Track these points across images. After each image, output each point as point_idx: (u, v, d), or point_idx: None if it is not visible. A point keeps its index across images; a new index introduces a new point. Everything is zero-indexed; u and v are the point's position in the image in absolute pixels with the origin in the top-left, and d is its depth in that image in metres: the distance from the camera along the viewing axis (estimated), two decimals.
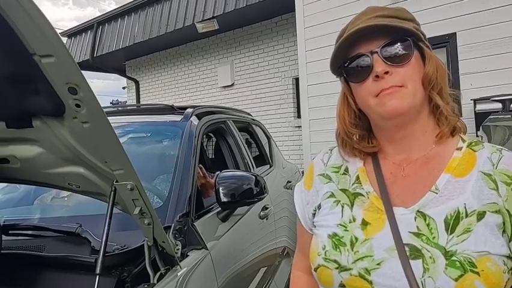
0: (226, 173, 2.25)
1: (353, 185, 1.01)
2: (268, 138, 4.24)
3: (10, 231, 1.80)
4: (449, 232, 0.85)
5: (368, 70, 0.93)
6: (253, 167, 3.19)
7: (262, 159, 3.85)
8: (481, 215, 0.85)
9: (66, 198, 2.43)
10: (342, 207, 0.98)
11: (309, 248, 1.03)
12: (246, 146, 3.35)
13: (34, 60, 1.12)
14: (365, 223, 0.93)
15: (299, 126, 6.69)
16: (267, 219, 2.93)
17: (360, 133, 1.04)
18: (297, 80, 7.37)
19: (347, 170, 1.04)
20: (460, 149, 0.95)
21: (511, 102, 3.22)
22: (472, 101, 4.20)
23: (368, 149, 1.02)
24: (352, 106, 1.03)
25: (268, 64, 8.40)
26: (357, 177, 1.01)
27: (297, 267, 1.19)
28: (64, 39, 10.88)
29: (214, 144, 3.67)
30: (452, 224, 0.85)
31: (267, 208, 2.94)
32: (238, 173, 2.42)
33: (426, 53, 0.95)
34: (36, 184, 1.74)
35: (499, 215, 0.85)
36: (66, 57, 1.10)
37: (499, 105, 3.34)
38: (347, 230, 0.94)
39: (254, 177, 2.24)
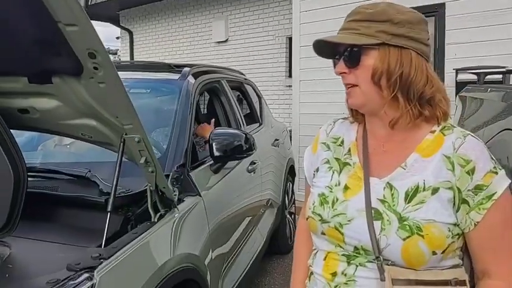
0: (219, 130, 2.48)
1: (344, 155, 1.18)
2: (259, 97, 4.43)
3: (28, 173, 2.02)
4: (406, 202, 1.02)
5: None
6: (243, 125, 3.41)
7: (253, 117, 4.05)
8: (435, 190, 1.01)
9: (68, 146, 2.64)
10: (333, 172, 1.17)
11: None
12: (237, 104, 3.55)
13: (59, 28, 1.29)
14: (346, 187, 1.12)
15: (290, 86, 6.84)
16: (254, 173, 3.18)
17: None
18: (290, 39, 7.45)
19: (342, 142, 1.21)
20: (433, 132, 1.08)
21: (486, 75, 3.41)
22: (454, 71, 4.39)
23: (357, 119, 1.20)
24: None
25: (263, 21, 8.43)
26: (349, 150, 1.19)
27: (303, 216, 1.33)
28: None
29: (208, 102, 3.86)
30: (410, 195, 1.03)
31: (254, 163, 3.19)
32: (230, 130, 2.65)
33: (380, 53, 1.04)
34: (53, 133, 1.95)
35: (450, 190, 1.01)
36: (88, 27, 1.28)
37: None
38: (332, 192, 1.13)
39: (244, 135, 2.47)
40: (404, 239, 1.00)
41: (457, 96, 3.36)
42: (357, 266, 1.07)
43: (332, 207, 1.12)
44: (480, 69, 3.64)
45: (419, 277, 1.01)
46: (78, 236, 1.73)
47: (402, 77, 1.03)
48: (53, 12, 1.26)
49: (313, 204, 1.16)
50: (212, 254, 2.22)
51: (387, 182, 1.07)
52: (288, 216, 4.27)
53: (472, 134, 1.08)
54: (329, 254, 1.13)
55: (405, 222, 1.01)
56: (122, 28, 11.24)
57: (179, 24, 9.95)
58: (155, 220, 1.78)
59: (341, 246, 1.10)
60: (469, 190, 1.01)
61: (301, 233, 1.36)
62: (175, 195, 1.96)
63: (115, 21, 11.30)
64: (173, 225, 1.87)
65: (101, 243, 1.53)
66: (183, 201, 2.04)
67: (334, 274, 1.10)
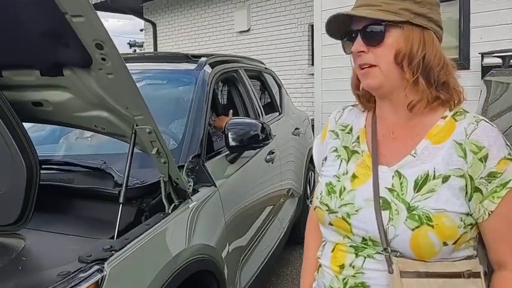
0: (235, 120, 2.46)
1: (353, 143, 1.15)
2: (279, 86, 4.38)
3: (43, 166, 2.05)
4: (416, 190, 0.98)
5: (351, 45, 1.05)
6: (262, 114, 3.38)
7: (272, 106, 4.01)
8: (446, 178, 0.97)
9: (89, 139, 2.67)
10: (341, 161, 1.13)
11: None
12: (256, 94, 3.52)
13: (66, 19, 1.29)
14: (354, 176, 1.09)
15: (313, 74, 6.76)
16: (272, 162, 3.15)
17: (362, 93, 1.14)
18: (312, 27, 7.36)
19: (351, 129, 1.18)
20: (444, 117, 1.04)
21: (511, 58, 3.28)
22: (480, 55, 4.26)
23: (366, 107, 1.16)
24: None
25: (284, 10, 8.35)
26: (358, 137, 1.15)
27: (314, 206, 1.39)
28: None
29: (227, 91, 3.84)
30: (420, 184, 0.99)
31: (273, 153, 3.16)
32: (247, 120, 2.62)
33: (404, 33, 1.00)
34: (67, 125, 1.96)
35: (462, 178, 0.97)
36: (94, 18, 1.28)
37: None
38: (339, 181, 1.10)
39: (261, 125, 2.44)
40: (412, 230, 0.96)
41: (482, 80, 3.26)
42: (365, 257, 1.03)
43: (340, 196, 1.08)
44: (505, 52, 3.50)
45: (429, 269, 0.97)
46: (92, 228, 1.74)
47: (424, 59, 1.00)
48: (60, 4, 1.26)
49: (320, 194, 1.13)
50: (229, 247, 2.21)
51: (396, 170, 1.03)
52: (309, 205, 4.20)
53: (486, 120, 1.02)
54: (337, 245, 1.10)
55: (414, 212, 0.97)
56: (146, 20, 11.33)
57: (202, 15, 9.96)
58: (169, 211, 1.77)
59: (348, 237, 1.07)
60: (481, 178, 0.96)
61: (311, 224, 1.33)
62: (190, 186, 1.95)
63: (139, 14, 11.39)
64: (187, 216, 1.86)
65: (114, 235, 1.53)
66: (198, 191, 2.03)
67: (342, 266, 1.07)
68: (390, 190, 1.02)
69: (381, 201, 1.01)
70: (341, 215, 1.06)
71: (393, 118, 1.09)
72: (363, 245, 1.04)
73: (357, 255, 1.05)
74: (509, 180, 0.95)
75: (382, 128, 1.12)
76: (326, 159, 1.20)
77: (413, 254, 0.97)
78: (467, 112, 1.05)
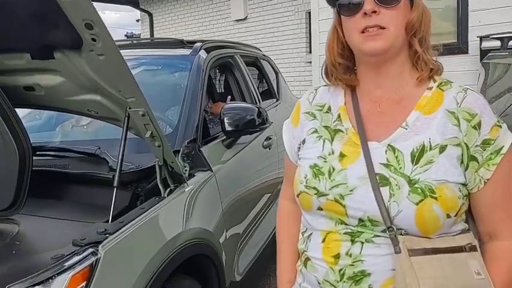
0: (231, 105, 2.44)
1: (334, 122, 1.08)
2: (277, 73, 4.34)
3: (38, 152, 2.03)
4: (414, 163, 0.94)
5: (359, 6, 0.97)
6: (259, 101, 3.35)
7: (269, 93, 3.98)
8: (443, 148, 0.94)
9: (85, 126, 2.65)
10: (324, 141, 1.06)
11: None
12: (252, 80, 3.48)
13: None
14: (342, 155, 1.02)
15: (311, 62, 6.72)
16: (270, 148, 3.13)
17: (345, 64, 1.09)
18: (310, 14, 7.30)
19: (329, 108, 1.11)
20: (430, 88, 1.02)
21: (509, 40, 3.26)
22: (478, 38, 4.22)
23: (348, 81, 1.09)
24: (341, 38, 1.07)
25: None
26: (339, 116, 1.08)
27: (284, 196, 1.28)
28: None
29: (223, 78, 3.81)
30: (417, 156, 0.94)
31: (270, 138, 3.13)
32: (243, 104, 2.60)
33: (415, 0, 1.00)
34: (60, 110, 1.94)
35: (458, 147, 0.94)
36: None
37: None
38: (326, 161, 1.03)
39: (257, 109, 2.41)
40: (416, 204, 0.91)
41: (480, 63, 3.24)
42: (362, 243, 0.97)
43: (329, 178, 1.01)
44: (504, 34, 3.48)
45: (434, 245, 0.93)
46: (86, 213, 1.73)
47: (426, 24, 1.00)
48: None
49: (305, 177, 1.05)
50: (226, 233, 2.19)
51: (389, 145, 0.99)
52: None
53: (471, 88, 1.02)
54: (329, 234, 1.02)
55: (416, 185, 0.92)
56: (142, 10, 11.24)
57: (198, 4, 9.88)
58: (165, 195, 1.76)
59: (342, 222, 1.00)
60: (476, 146, 0.95)
61: (285, 216, 1.25)
62: (186, 170, 1.93)
63: (135, 4, 11.30)
64: (184, 200, 1.85)
65: (108, 219, 1.52)
66: (194, 176, 2.01)
67: (337, 256, 0.99)
68: (386, 165, 0.96)
69: (377, 177, 0.95)
70: (333, 196, 0.99)
71: (379, 91, 1.05)
72: (359, 229, 0.98)
73: (353, 242, 0.98)
74: (502, 147, 0.95)
75: (366, 103, 1.07)
76: (304, 142, 1.13)
77: (417, 230, 0.93)
78: (452, 82, 1.03)
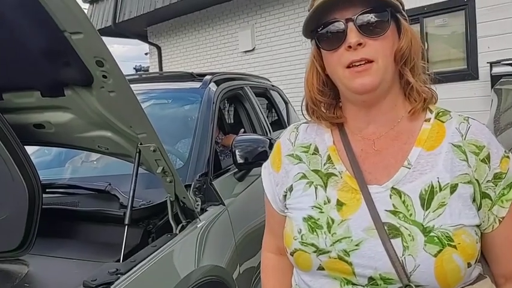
0: (242, 137, 2.41)
1: (325, 165, 0.96)
2: (286, 103, 4.34)
3: (47, 190, 2.01)
4: (425, 208, 0.84)
5: (341, 39, 0.87)
6: (269, 131, 3.33)
7: (280, 123, 3.97)
8: (453, 188, 0.84)
9: (95, 162, 2.63)
10: (316, 188, 0.94)
11: (280, 229, 1.00)
12: (262, 110, 3.48)
13: (65, 37, 1.27)
14: (340, 204, 0.90)
15: None
16: None
17: (327, 102, 0.99)
18: None
19: (316, 149, 0.99)
20: (428, 120, 0.92)
21: None
22: (488, 64, 4.21)
23: (334, 120, 0.99)
24: (320, 73, 0.97)
25: (289, 28, 8.38)
26: (329, 157, 0.97)
27: (267, 249, 1.15)
28: (86, 6, 11.00)
29: (233, 109, 3.81)
30: (427, 199, 0.84)
31: None
32: (254, 136, 2.57)
33: (402, 25, 0.91)
34: (70, 147, 1.92)
35: (470, 185, 0.85)
36: (93, 34, 1.25)
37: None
38: (322, 212, 0.90)
39: (268, 141, 2.39)
40: (435, 255, 0.80)
41: (492, 89, 3.21)
42: None
43: (329, 231, 0.88)
44: None
45: None
46: (97, 252, 1.69)
47: (416, 50, 0.91)
48: (58, 22, 1.24)
49: (299, 232, 0.91)
50: (240, 268, 2.13)
51: (393, 188, 0.87)
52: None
53: (471, 117, 0.93)
54: None
55: (431, 234, 0.81)
56: (151, 44, 11.42)
57: (206, 36, 10.02)
58: (177, 232, 1.71)
59: (348, 282, 0.87)
60: (488, 181, 0.85)
61: (271, 273, 1.12)
62: (198, 205, 1.89)
63: (143, 38, 11.49)
64: (196, 237, 1.80)
65: (120, 258, 1.47)
66: (206, 211, 1.97)
67: None
68: (394, 212, 0.85)
69: (386, 227, 0.84)
70: (336, 254, 0.86)
71: (372, 128, 0.94)
72: None
73: None
74: None
75: (358, 141, 0.96)
76: (291, 189, 0.99)
77: (438, 285, 0.81)
78: (450, 111, 0.94)
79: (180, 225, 1.75)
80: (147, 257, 1.49)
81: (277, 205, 1.04)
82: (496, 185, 0.85)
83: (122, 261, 1.46)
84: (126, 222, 1.54)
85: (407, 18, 0.93)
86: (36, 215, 1.55)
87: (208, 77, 2.79)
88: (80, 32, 1.24)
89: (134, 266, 1.42)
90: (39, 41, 1.37)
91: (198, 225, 1.84)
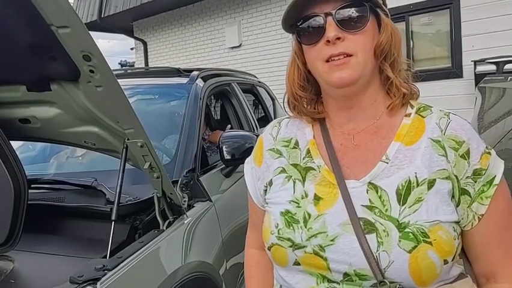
0: (230, 133, 2.41)
1: (304, 159, 0.96)
2: (273, 99, 4.35)
3: (32, 185, 1.99)
4: (401, 203, 0.83)
5: (320, 33, 0.87)
6: (256, 127, 3.33)
7: (267, 119, 3.98)
8: (431, 183, 0.83)
9: (80, 157, 2.61)
10: (294, 182, 0.94)
11: (262, 224, 1.00)
12: (249, 107, 3.48)
13: (52, 31, 1.25)
14: (317, 198, 0.89)
15: None
16: None
17: (308, 97, 0.99)
18: None
19: (297, 143, 0.99)
20: (408, 115, 0.92)
21: (505, 64, 3.29)
22: (473, 63, 4.27)
23: (314, 115, 0.98)
24: (301, 68, 0.97)
25: (275, 25, 8.37)
26: (308, 151, 0.97)
27: (251, 244, 1.15)
28: (71, 0, 10.87)
29: (220, 105, 3.80)
30: (404, 194, 0.83)
31: None
32: (241, 132, 2.57)
33: (382, 20, 0.90)
34: (56, 142, 1.90)
35: (448, 181, 0.84)
36: (80, 28, 1.24)
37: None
38: (300, 207, 0.90)
39: (256, 137, 2.39)
40: (409, 252, 0.79)
41: (476, 87, 3.26)
42: None
43: (305, 226, 0.88)
44: (499, 58, 3.52)
45: None
46: (84, 248, 1.68)
47: (397, 45, 0.90)
48: (45, 15, 1.23)
49: (276, 226, 0.91)
50: (227, 264, 2.14)
51: (370, 182, 0.87)
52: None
53: (453, 112, 0.91)
54: None
55: (406, 230, 0.80)
56: (136, 39, 11.33)
57: (192, 32, 9.98)
58: (164, 228, 1.71)
59: (324, 278, 0.87)
60: (467, 177, 0.84)
61: (255, 269, 1.11)
62: (185, 201, 1.89)
63: (129, 33, 11.40)
64: (183, 233, 1.80)
65: (106, 254, 1.47)
66: (193, 207, 1.97)
67: None
68: (370, 208, 0.84)
69: (361, 222, 0.83)
70: (312, 248, 0.86)
71: (352, 123, 0.94)
72: (345, 285, 0.85)
73: None
74: (495, 177, 0.85)
75: (338, 136, 0.95)
76: (270, 183, 0.99)
77: (413, 281, 0.80)
78: (431, 106, 0.93)
79: (167, 221, 1.75)
80: (134, 253, 1.48)
81: (258, 200, 1.04)
82: (475, 182, 0.84)
83: (109, 257, 1.45)
84: (113, 218, 1.53)
85: (388, 13, 0.92)
86: (21, 210, 1.54)
87: (195, 73, 2.78)
88: (67, 26, 1.22)
89: (121, 262, 1.41)
90: (25, 35, 1.35)
91: (185, 222, 1.83)
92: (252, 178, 1.06)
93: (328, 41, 0.86)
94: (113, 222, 1.52)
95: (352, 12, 0.86)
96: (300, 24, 0.91)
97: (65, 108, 1.61)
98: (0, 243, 1.54)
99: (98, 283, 1.29)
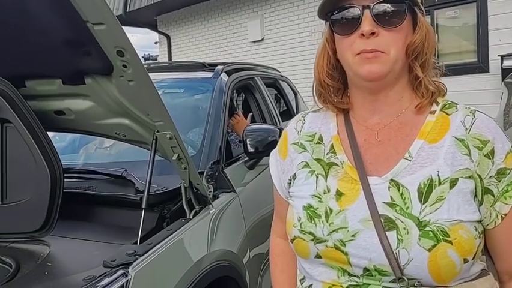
0: (253, 126, 2.46)
1: (327, 154, 0.96)
2: (295, 93, 4.38)
3: (65, 174, 2.07)
4: (422, 201, 0.83)
5: (355, 25, 0.87)
6: (279, 121, 3.37)
7: (289, 113, 4.01)
8: (453, 182, 0.83)
9: (108, 148, 2.70)
10: (317, 177, 0.94)
11: (286, 216, 1.02)
12: (272, 101, 3.52)
13: (87, 27, 1.32)
14: (339, 194, 0.90)
15: None
16: None
17: (336, 86, 0.99)
18: None
19: (321, 138, 0.99)
20: (433, 112, 0.91)
21: None
22: (499, 57, 4.22)
23: (339, 104, 0.98)
24: (331, 56, 0.97)
25: (298, 18, 8.36)
26: (332, 146, 0.97)
27: (277, 233, 1.17)
28: None
29: (243, 99, 3.85)
30: (425, 192, 0.83)
31: None
32: (264, 126, 2.62)
33: (419, 19, 0.89)
34: (88, 133, 1.98)
35: (471, 180, 0.83)
36: (115, 25, 1.30)
37: None
38: (322, 201, 0.91)
39: (278, 130, 2.44)
40: (429, 250, 0.80)
41: (502, 82, 3.23)
42: None
43: (327, 221, 0.89)
44: None
45: None
46: (115, 234, 1.75)
47: (430, 45, 0.89)
48: (81, 12, 1.29)
49: (298, 220, 0.93)
50: (250, 253, 2.20)
51: (392, 180, 0.87)
52: None
53: (479, 110, 0.90)
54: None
55: (426, 228, 0.81)
56: (160, 33, 11.45)
57: (215, 26, 10.03)
58: (190, 217, 1.78)
59: (345, 272, 0.89)
60: (491, 177, 0.84)
61: (280, 257, 1.13)
62: (210, 191, 1.95)
63: (153, 27, 11.52)
64: (208, 222, 1.86)
65: (137, 241, 1.54)
66: (218, 197, 2.03)
67: None
68: (391, 205, 0.85)
69: (382, 219, 0.84)
70: (333, 243, 0.87)
71: (376, 118, 0.94)
72: (365, 280, 0.86)
73: None
74: None
75: (361, 131, 0.95)
76: (294, 177, 1.00)
77: (432, 279, 0.82)
78: (457, 104, 0.92)
79: (193, 211, 1.81)
80: (163, 240, 1.55)
81: (283, 192, 1.06)
82: (499, 181, 0.84)
83: (140, 243, 1.52)
84: (143, 206, 1.60)
85: (424, 13, 0.91)
86: (57, 198, 1.62)
87: (219, 67, 2.84)
88: (102, 23, 1.29)
89: (151, 248, 1.48)
90: (62, 31, 1.42)
91: (210, 211, 1.90)
92: (277, 170, 1.08)
93: (362, 35, 0.85)
94: (143, 211, 1.59)
95: (390, 7, 0.85)
96: (335, 13, 0.90)
97: (98, 101, 1.68)
98: (37, 228, 1.62)
99: (130, 267, 1.36)
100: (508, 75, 3.09)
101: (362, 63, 0.86)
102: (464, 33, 4.71)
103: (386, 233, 0.82)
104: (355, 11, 0.87)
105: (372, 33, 0.85)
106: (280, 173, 1.06)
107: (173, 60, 11.16)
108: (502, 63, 4.20)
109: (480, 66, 4.54)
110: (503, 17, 4.37)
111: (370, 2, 0.86)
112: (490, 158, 0.84)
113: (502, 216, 0.85)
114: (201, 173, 2.01)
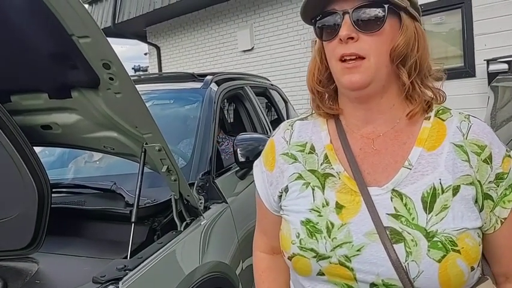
0: (244, 136, 2.45)
1: (321, 164, 0.92)
2: (286, 102, 4.38)
3: (53, 189, 2.05)
4: (427, 211, 0.81)
5: (336, 30, 0.85)
6: (269, 130, 3.37)
7: (280, 122, 3.99)
8: (456, 189, 0.82)
9: (98, 162, 2.67)
10: (313, 189, 0.90)
11: (274, 229, 0.98)
12: (263, 110, 3.52)
13: (73, 41, 1.31)
14: (339, 206, 0.86)
15: None
16: None
17: (327, 92, 0.96)
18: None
19: (313, 148, 0.95)
20: (428, 118, 0.89)
21: None
22: (485, 62, 4.26)
23: (329, 110, 0.95)
24: (320, 62, 0.95)
25: (287, 27, 8.40)
26: (326, 156, 0.93)
27: (259, 248, 1.12)
28: (85, 7, 11.00)
29: (233, 109, 3.85)
30: (429, 202, 0.81)
31: None
32: (255, 135, 2.62)
33: (403, 22, 0.86)
34: (76, 147, 1.96)
35: (472, 186, 0.83)
36: (100, 38, 1.29)
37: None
38: (321, 215, 0.87)
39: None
40: (439, 261, 0.78)
41: (488, 86, 3.26)
42: None
43: (329, 236, 0.85)
44: (511, 57, 3.51)
45: None
46: (105, 249, 1.73)
47: (420, 59, 0.87)
48: (66, 26, 1.28)
49: (297, 236, 0.88)
50: (243, 264, 2.18)
51: (393, 190, 0.84)
52: None
53: (472, 115, 0.90)
54: None
55: (435, 239, 0.79)
56: (150, 44, 11.44)
57: (205, 36, 10.05)
58: (181, 229, 1.76)
59: (349, 287, 0.85)
60: (490, 182, 0.83)
61: (266, 273, 1.09)
62: (201, 203, 1.94)
63: (142, 38, 11.51)
64: (200, 233, 1.85)
65: (127, 255, 1.52)
66: (209, 208, 2.01)
67: None
68: (396, 216, 0.82)
69: (387, 232, 0.81)
70: (337, 259, 0.83)
71: (370, 127, 0.91)
72: None
73: None
74: None
75: (356, 140, 0.92)
76: (286, 190, 0.95)
77: None
78: (450, 109, 0.91)
79: (184, 223, 1.79)
80: (153, 254, 1.53)
81: (271, 205, 1.01)
82: (497, 186, 0.84)
83: (130, 257, 1.50)
84: (133, 219, 1.58)
85: (417, 16, 0.89)
86: (45, 213, 1.59)
87: (209, 77, 2.83)
88: (87, 36, 1.28)
89: (142, 262, 1.46)
90: (47, 44, 1.41)
91: (202, 223, 1.88)
92: (263, 182, 1.03)
93: (341, 40, 0.84)
94: (133, 224, 1.57)
95: (370, 12, 0.84)
96: (319, 19, 0.89)
97: (85, 114, 1.66)
98: (25, 245, 1.60)
99: (120, 282, 1.34)
100: (494, 79, 3.11)
101: (343, 73, 0.85)
102: (451, 39, 4.76)
103: (394, 246, 0.80)
104: (336, 17, 0.86)
105: (352, 38, 0.84)
106: (268, 186, 1.01)
107: (163, 71, 11.15)
108: (487, 67, 4.26)
109: (466, 71, 4.59)
110: (488, 22, 4.42)
111: (350, 7, 0.85)
112: (488, 163, 0.84)
113: (501, 221, 0.85)
114: (192, 185, 1.99)
